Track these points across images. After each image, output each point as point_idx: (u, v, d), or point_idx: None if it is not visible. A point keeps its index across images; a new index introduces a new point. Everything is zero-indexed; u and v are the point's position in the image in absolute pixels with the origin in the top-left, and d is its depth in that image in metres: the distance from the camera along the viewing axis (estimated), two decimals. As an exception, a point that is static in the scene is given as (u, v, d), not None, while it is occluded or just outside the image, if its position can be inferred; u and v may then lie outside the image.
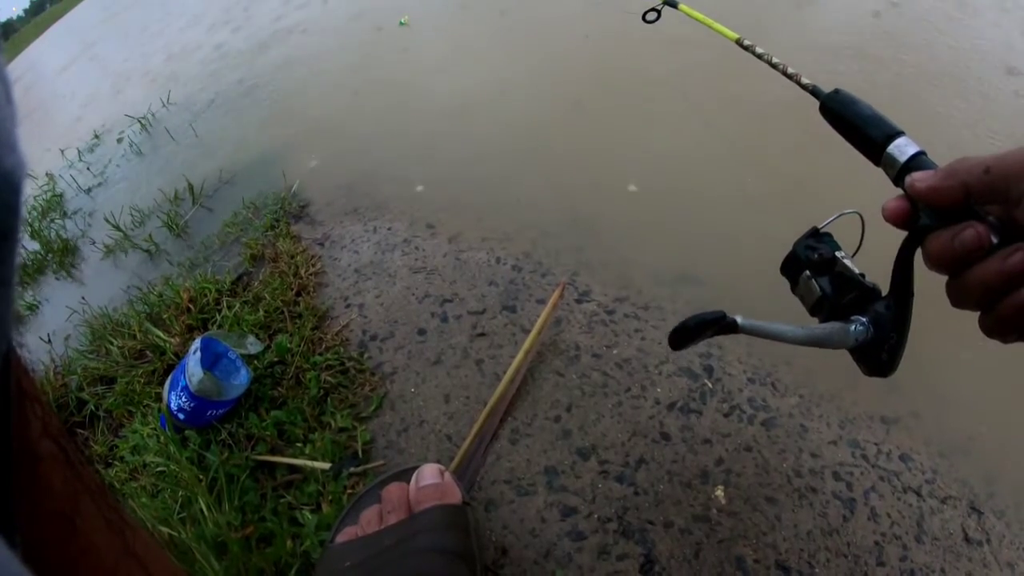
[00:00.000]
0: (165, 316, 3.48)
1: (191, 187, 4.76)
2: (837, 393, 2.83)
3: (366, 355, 3.13)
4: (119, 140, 6.13)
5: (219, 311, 3.44)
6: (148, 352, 3.34)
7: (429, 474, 2.26)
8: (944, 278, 1.17)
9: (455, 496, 2.25)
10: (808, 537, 2.42)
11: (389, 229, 3.88)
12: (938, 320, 3.08)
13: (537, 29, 5.94)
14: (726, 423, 2.70)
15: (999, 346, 2.69)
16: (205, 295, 3.53)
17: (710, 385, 2.83)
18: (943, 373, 2.93)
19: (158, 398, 3.05)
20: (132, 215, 4.71)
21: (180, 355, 3.20)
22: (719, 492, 2.48)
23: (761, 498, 2.49)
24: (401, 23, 5.83)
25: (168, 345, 3.29)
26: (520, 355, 2.81)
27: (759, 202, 3.64)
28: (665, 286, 3.30)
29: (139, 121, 6.26)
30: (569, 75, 5.03)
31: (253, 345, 3.13)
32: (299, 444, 2.75)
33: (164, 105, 6.53)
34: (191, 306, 3.48)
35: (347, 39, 6.77)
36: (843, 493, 2.53)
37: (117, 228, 4.55)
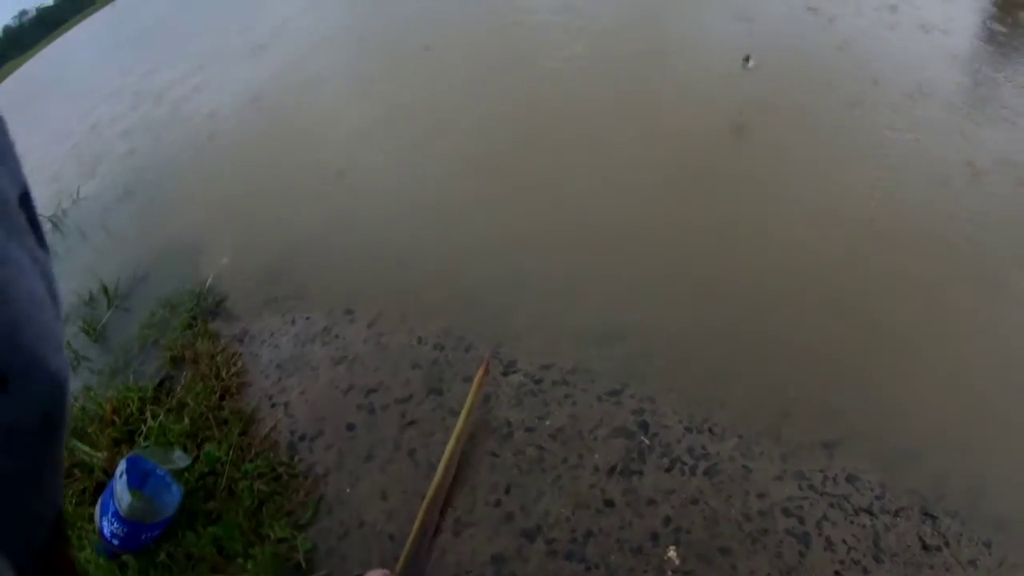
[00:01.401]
0: (90, 430, 3.37)
1: (105, 289, 4.64)
2: (774, 426, 2.82)
3: (297, 458, 3.06)
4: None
5: (144, 421, 3.34)
6: (76, 470, 3.21)
7: (374, 581, 2.18)
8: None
9: (403, 600, 2.18)
10: (768, 582, 2.39)
11: (307, 319, 3.82)
12: (872, 338, 3.13)
13: (438, 102, 5.93)
14: (668, 479, 2.66)
15: (932, 357, 2.73)
16: (128, 405, 3.44)
17: (647, 442, 2.79)
18: (879, 388, 2.94)
19: (91, 519, 2.93)
20: None
21: (109, 471, 3.09)
22: (671, 553, 2.44)
23: (715, 551, 2.45)
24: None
25: (96, 461, 3.18)
26: (452, 441, 2.75)
27: (679, 253, 3.66)
28: (591, 346, 3.26)
29: (49, 220, 6.11)
30: (476, 144, 5.02)
31: (181, 459, 3.05)
32: (240, 560, 2.65)
33: (74, 201, 6.39)
34: (115, 418, 3.38)
35: (249, 125, 6.71)
36: (796, 528, 2.50)
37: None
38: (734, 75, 5.04)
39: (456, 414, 2.92)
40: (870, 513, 2.54)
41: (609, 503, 2.59)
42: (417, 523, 2.58)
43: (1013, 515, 2.53)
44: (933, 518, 2.52)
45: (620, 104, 4.90)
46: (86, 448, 3.21)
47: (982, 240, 3.46)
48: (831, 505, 2.56)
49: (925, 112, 4.34)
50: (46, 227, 5.69)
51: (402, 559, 2.49)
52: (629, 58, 5.61)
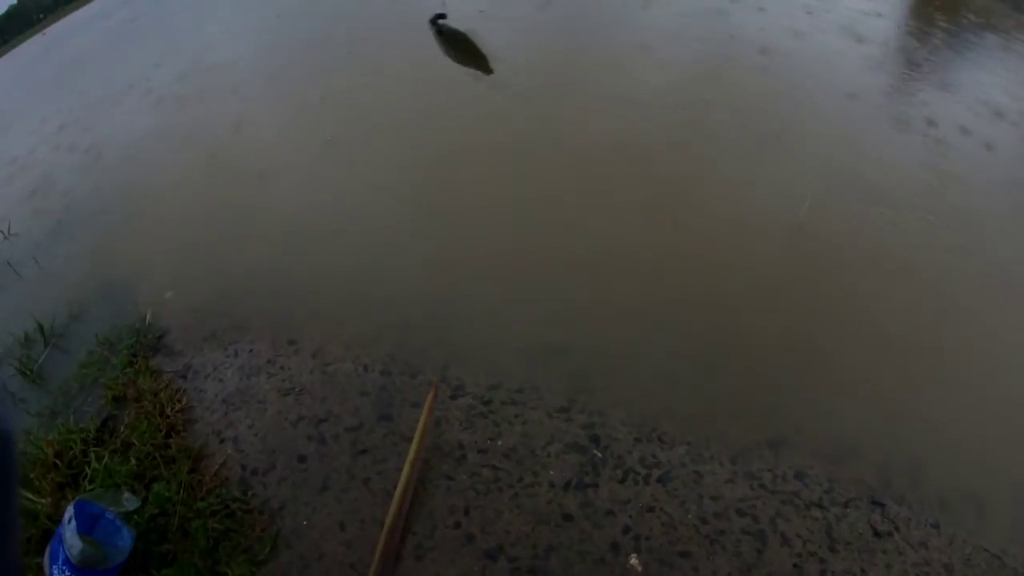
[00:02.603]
0: (32, 475, 3.21)
1: (41, 328, 4.46)
2: (722, 430, 2.87)
3: (250, 492, 2.98)
4: (-39, 280, 5.67)
5: (88, 464, 3.21)
6: (20, 518, 3.09)
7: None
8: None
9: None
10: (729, 580, 2.42)
11: (251, 351, 3.75)
12: (807, 338, 3.22)
13: (376, 132, 5.90)
14: (623, 489, 2.69)
15: (863, 350, 2.81)
16: (71, 447, 3.29)
17: (600, 455, 2.82)
18: (818, 385, 3.02)
19: (39, 569, 2.82)
20: None
21: (54, 518, 2.97)
22: (633, 560, 2.46)
23: (675, 555, 2.48)
24: None
25: (40, 507, 3.05)
26: (406, 467, 2.74)
27: (619, 265, 3.70)
28: (537, 363, 3.28)
29: None
30: (413, 171, 4.98)
31: (129, 501, 2.94)
32: (197, 601, 2.56)
33: (6, 237, 6.15)
34: (58, 461, 3.24)
35: (184, 159, 6.56)
36: (751, 527, 2.55)
37: (-32, 379, 4.21)
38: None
39: (408, 440, 2.91)
40: (821, 506, 2.60)
41: (568, 517, 2.61)
42: (378, 552, 2.56)
43: (956, 495, 2.64)
44: (881, 505, 2.60)
45: (553, 121, 4.94)
46: (29, 495, 3.09)
47: (917, 240, 3.60)
48: (783, 502, 2.62)
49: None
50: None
51: (365, 589, 2.48)
52: (548, 76, 5.66)
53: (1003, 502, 2.63)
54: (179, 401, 3.47)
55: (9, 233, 6.09)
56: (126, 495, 2.94)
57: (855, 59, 5.64)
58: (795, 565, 2.43)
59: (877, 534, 2.53)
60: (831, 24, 6.30)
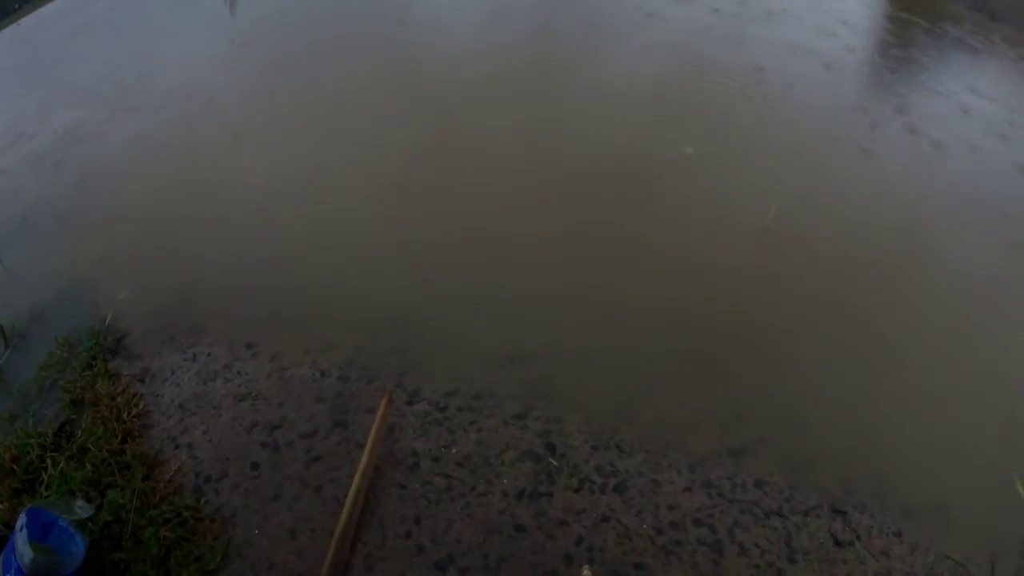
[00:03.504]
0: None
1: (2, 328, 4.41)
2: (681, 439, 2.84)
3: (203, 500, 2.95)
4: (-79, 278, 5.59)
5: (45, 469, 3.17)
6: None
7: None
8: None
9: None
10: (684, 593, 2.39)
11: (208, 355, 3.70)
12: (771, 347, 3.19)
13: (335, 123, 5.85)
14: (578, 499, 2.65)
15: (828, 359, 2.79)
16: (28, 452, 3.26)
17: (555, 463, 2.78)
18: (780, 395, 2.99)
19: (-5, 576, 2.79)
20: None
21: (11, 524, 2.93)
22: (586, 572, 2.43)
23: (629, 566, 2.45)
24: None
25: None
26: (357, 477, 2.71)
27: (577, 273, 3.67)
28: (494, 370, 3.24)
29: None
30: (372, 176, 4.93)
31: (83, 509, 2.90)
32: (150, 611, 2.52)
33: None
34: (15, 466, 3.20)
35: (144, 159, 6.49)
36: (708, 537, 2.52)
37: (-73, 380, 4.15)
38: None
39: (362, 447, 2.88)
40: (780, 515, 2.57)
41: (520, 528, 2.58)
42: (327, 561, 2.53)
43: (918, 503, 2.62)
44: (843, 514, 2.58)
45: (516, 127, 4.90)
46: (-15, 500, 3.06)
47: (879, 251, 3.58)
48: (741, 511, 2.59)
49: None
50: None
51: (315, 598, 2.45)
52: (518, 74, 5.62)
53: (967, 510, 2.62)
54: (136, 406, 3.44)
55: (-27, 232, 6.01)
56: (79, 502, 2.91)
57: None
58: (752, 576, 2.40)
59: (838, 543, 2.51)
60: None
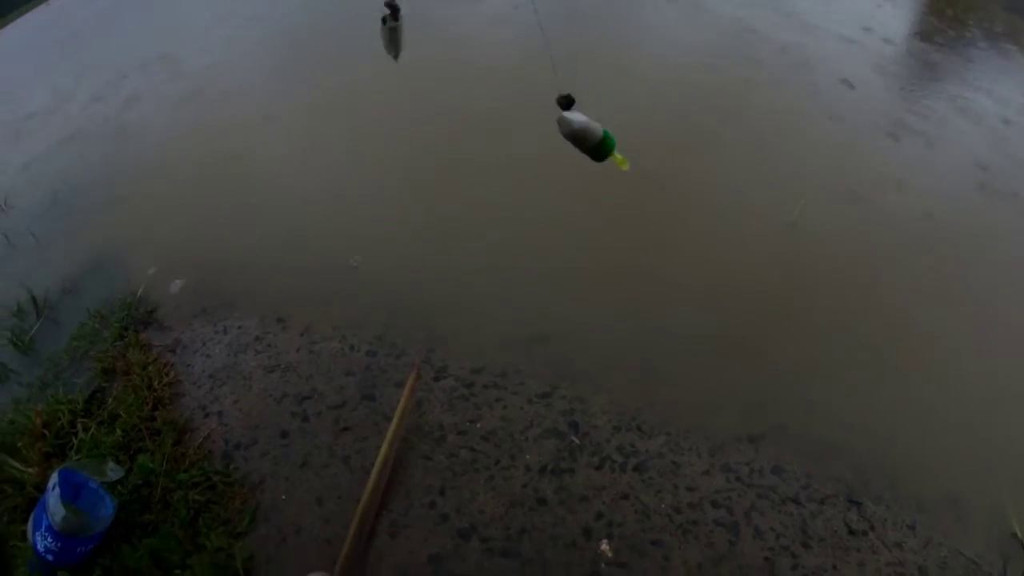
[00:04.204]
0: (20, 444, 3.22)
1: (34, 299, 4.46)
2: (701, 422, 2.88)
3: (232, 466, 3.00)
4: (-45, 249, 5.65)
5: (75, 435, 3.23)
6: (6, 486, 3.09)
7: (315, 585, 2.19)
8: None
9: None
10: (699, 570, 2.43)
11: (239, 328, 3.75)
12: (793, 335, 3.22)
13: (366, 103, 5.88)
14: (599, 476, 2.70)
15: (848, 350, 2.82)
16: (59, 418, 3.31)
17: (577, 441, 2.82)
18: (801, 384, 3.03)
19: (24, 536, 2.84)
20: None
21: (40, 487, 2.97)
22: (605, 546, 2.47)
23: (647, 543, 2.49)
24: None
25: (26, 476, 3.06)
26: (385, 446, 2.75)
27: (604, 257, 3.70)
28: (520, 350, 3.29)
29: None
30: (406, 157, 4.96)
31: (114, 471, 2.95)
32: (177, 571, 2.60)
33: (1, 209, 6.12)
34: (46, 431, 3.25)
35: (179, 137, 6.52)
36: (724, 519, 2.56)
37: (-39, 348, 4.22)
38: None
39: (389, 419, 2.92)
40: (797, 502, 2.60)
41: (542, 501, 2.62)
42: (353, 527, 2.57)
43: (933, 498, 2.64)
44: (858, 504, 2.60)
45: (545, 107, 4.93)
46: (16, 463, 3.10)
47: (907, 247, 3.60)
48: (759, 496, 2.63)
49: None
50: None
51: (340, 563, 2.49)
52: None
53: (982, 508, 2.63)
54: (167, 375, 3.48)
55: (5, 205, 6.09)
56: (111, 465, 2.95)
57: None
58: (766, 559, 2.44)
59: (852, 532, 2.53)
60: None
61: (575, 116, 1.51)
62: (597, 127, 1.44)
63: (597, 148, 1.44)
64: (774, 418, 2.89)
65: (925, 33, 6.09)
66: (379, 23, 2.55)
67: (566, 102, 1.50)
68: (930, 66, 5.59)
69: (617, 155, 1.42)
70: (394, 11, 1.43)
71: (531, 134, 4.59)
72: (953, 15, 6.45)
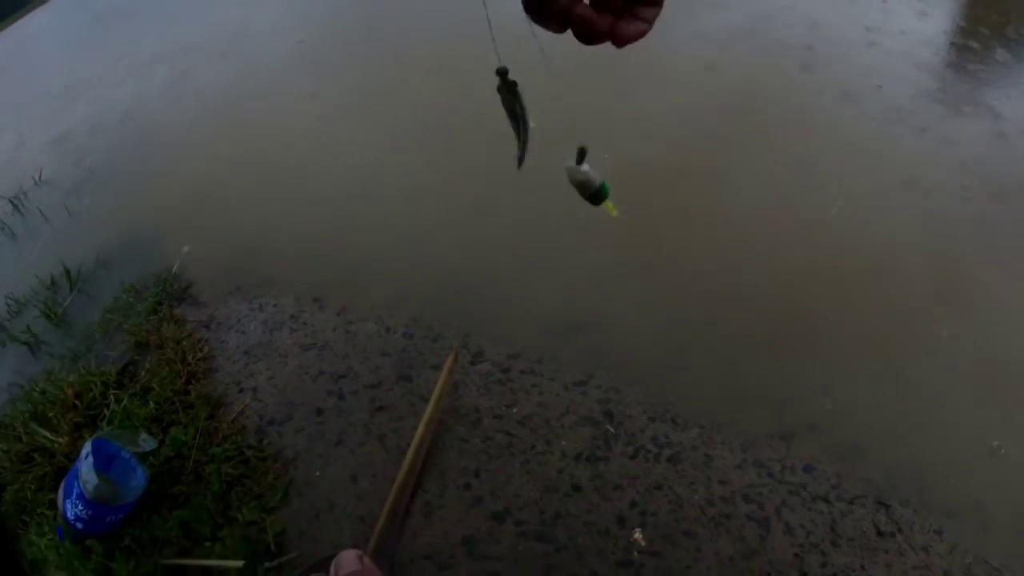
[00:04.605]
0: (51, 414, 3.26)
1: (68, 272, 4.48)
2: (734, 418, 2.89)
3: (265, 441, 3.04)
4: (-9, 223, 5.68)
5: (107, 406, 3.27)
6: (36, 455, 3.12)
7: (348, 561, 2.19)
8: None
9: (378, 581, 2.19)
10: (730, 563, 2.45)
11: (275, 306, 3.78)
12: (826, 334, 3.23)
13: (403, 92, 5.89)
14: (633, 465, 2.72)
15: (881, 352, 2.83)
16: (91, 389, 3.35)
17: (612, 430, 2.85)
18: (831, 383, 3.03)
19: (52, 505, 2.87)
20: (8, 304, 4.42)
21: (70, 456, 3.00)
22: (638, 535, 2.49)
23: (679, 533, 2.51)
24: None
25: (57, 446, 3.10)
26: (421, 426, 2.78)
27: (643, 247, 3.70)
28: (558, 337, 3.31)
29: (10, 201, 5.85)
30: (443, 138, 4.97)
31: (147, 442, 3.00)
32: (208, 543, 2.64)
33: (36, 183, 6.14)
34: (77, 402, 3.29)
35: (217, 114, 6.54)
36: (756, 514, 2.58)
37: (-6, 319, 4.26)
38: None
39: (425, 400, 2.94)
40: (827, 501, 2.62)
41: (576, 487, 2.65)
42: (387, 506, 2.60)
43: (962, 505, 2.64)
44: (887, 506, 2.61)
45: (586, 91, 4.94)
46: (46, 433, 3.13)
47: (944, 246, 3.60)
48: (789, 493, 2.64)
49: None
50: (7, 209, 5.54)
51: (373, 540, 2.51)
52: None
53: (1009, 517, 2.63)
54: (201, 350, 3.51)
55: (40, 179, 6.12)
56: (143, 436, 2.99)
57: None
58: (796, 555, 2.46)
59: (880, 533, 2.54)
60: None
61: (581, 168, 1.57)
62: (597, 178, 1.50)
63: (594, 196, 1.51)
64: (806, 417, 2.90)
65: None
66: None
67: (580, 155, 1.55)
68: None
69: (609, 203, 1.50)
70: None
71: (575, 120, 4.60)
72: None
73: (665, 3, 0.93)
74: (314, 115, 5.64)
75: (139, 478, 2.78)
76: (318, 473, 2.84)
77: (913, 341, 3.21)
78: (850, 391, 3.01)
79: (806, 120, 4.59)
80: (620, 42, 0.93)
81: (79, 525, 2.63)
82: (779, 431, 2.86)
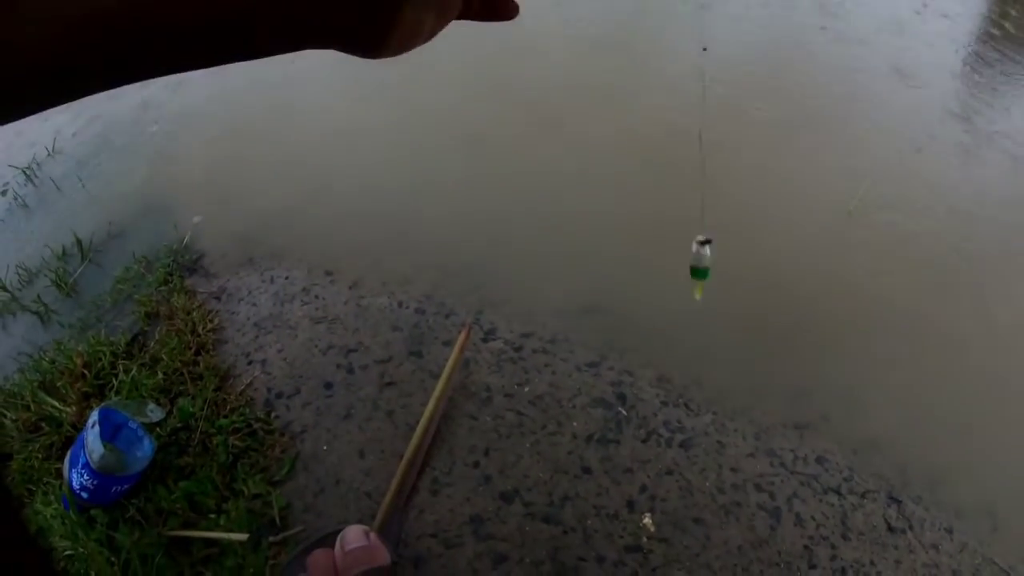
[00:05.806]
0: (59, 384, 3.23)
1: (79, 242, 4.46)
2: (748, 406, 2.87)
3: (273, 414, 3.00)
4: (3, 192, 5.70)
5: (115, 376, 3.24)
6: (44, 424, 3.10)
7: (353, 537, 2.16)
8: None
9: (383, 557, 2.15)
10: (739, 552, 2.43)
11: (286, 278, 3.75)
12: (841, 327, 3.21)
13: (428, 66, 5.86)
14: (645, 449, 2.69)
15: (897, 347, 2.81)
16: (100, 359, 3.32)
17: (624, 413, 2.82)
18: (847, 376, 3.01)
19: (58, 474, 2.84)
20: (19, 274, 4.39)
21: (78, 426, 2.98)
22: (647, 519, 2.47)
23: (689, 520, 2.49)
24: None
25: (64, 415, 3.07)
26: (431, 403, 2.75)
27: (658, 232, 3.66)
28: (571, 318, 3.29)
29: (23, 172, 5.85)
30: (459, 118, 4.96)
31: (154, 412, 2.97)
32: (212, 515, 2.61)
33: (49, 153, 6.14)
34: (86, 372, 3.26)
35: (229, 88, 6.52)
36: (767, 503, 2.56)
37: (4, 288, 4.25)
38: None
39: (436, 377, 2.91)
40: (838, 493, 2.60)
41: (587, 469, 2.62)
42: (395, 482, 2.57)
43: (971, 505, 2.63)
44: (898, 502, 2.60)
45: (595, 89, 4.92)
46: (54, 402, 3.11)
47: (964, 248, 3.57)
48: (801, 483, 2.62)
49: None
50: (20, 179, 5.54)
51: (379, 516, 2.49)
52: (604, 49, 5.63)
53: (1020, 521, 2.61)
54: (211, 321, 3.49)
55: (53, 149, 6.10)
56: (151, 406, 2.97)
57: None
58: (806, 547, 2.44)
59: (891, 529, 2.53)
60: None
61: (703, 250, 1.63)
62: (706, 263, 1.58)
63: (695, 272, 1.59)
64: (820, 408, 2.89)
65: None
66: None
67: (707, 241, 1.61)
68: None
69: (700, 285, 1.57)
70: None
71: (604, 113, 4.58)
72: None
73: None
74: (331, 88, 5.60)
75: (146, 448, 2.76)
76: (325, 447, 2.81)
77: (934, 340, 3.18)
78: (866, 385, 2.99)
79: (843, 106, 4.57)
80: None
81: (84, 495, 2.60)
82: (793, 421, 2.84)
